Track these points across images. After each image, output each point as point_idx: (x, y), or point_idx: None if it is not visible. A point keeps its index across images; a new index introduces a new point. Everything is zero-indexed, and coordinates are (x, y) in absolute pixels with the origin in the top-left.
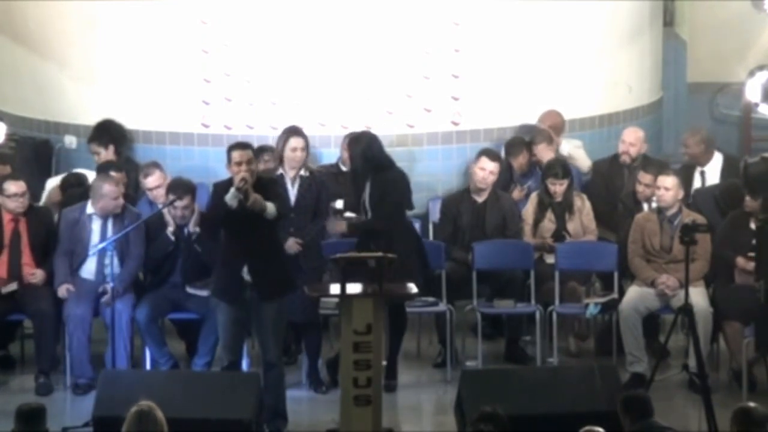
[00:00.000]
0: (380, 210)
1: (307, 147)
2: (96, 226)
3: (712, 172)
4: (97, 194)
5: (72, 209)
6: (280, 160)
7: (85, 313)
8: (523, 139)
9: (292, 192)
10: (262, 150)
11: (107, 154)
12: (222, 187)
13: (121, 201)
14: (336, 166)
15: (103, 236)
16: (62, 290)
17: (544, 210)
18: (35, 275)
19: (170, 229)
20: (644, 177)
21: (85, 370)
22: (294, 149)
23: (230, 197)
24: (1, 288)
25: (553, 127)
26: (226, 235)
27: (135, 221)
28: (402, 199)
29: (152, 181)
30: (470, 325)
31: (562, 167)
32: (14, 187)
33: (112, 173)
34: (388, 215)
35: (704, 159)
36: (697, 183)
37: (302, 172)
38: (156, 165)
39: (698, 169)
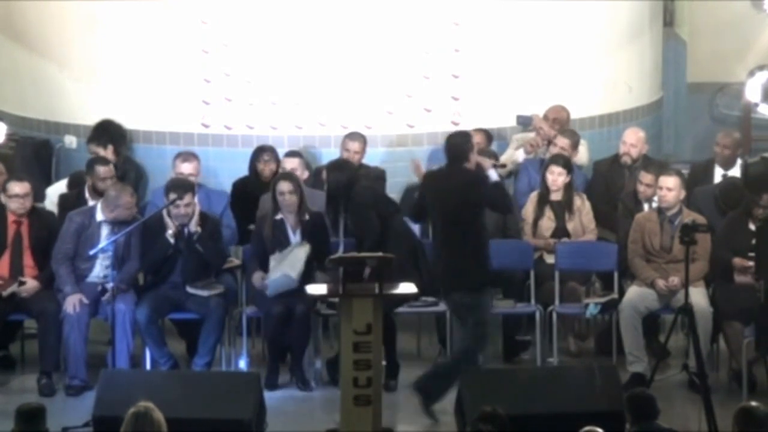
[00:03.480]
0: (361, 237)
1: (299, 189)
2: (105, 232)
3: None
4: (112, 203)
5: (79, 213)
6: (276, 206)
7: (82, 314)
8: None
9: (294, 239)
10: (262, 150)
11: (106, 154)
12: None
13: (134, 210)
14: None
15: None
16: (70, 304)
17: (543, 207)
18: (25, 288)
19: (170, 231)
20: (645, 177)
21: (80, 371)
22: (282, 193)
23: None
24: (2, 290)
25: (558, 121)
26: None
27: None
28: (373, 216)
29: (188, 167)
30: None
31: (563, 159)
32: (18, 187)
33: (99, 167)
34: (369, 234)
35: (732, 163)
36: (717, 181)
37: (303, 217)
38: (195, 155)
39: (721, 172)
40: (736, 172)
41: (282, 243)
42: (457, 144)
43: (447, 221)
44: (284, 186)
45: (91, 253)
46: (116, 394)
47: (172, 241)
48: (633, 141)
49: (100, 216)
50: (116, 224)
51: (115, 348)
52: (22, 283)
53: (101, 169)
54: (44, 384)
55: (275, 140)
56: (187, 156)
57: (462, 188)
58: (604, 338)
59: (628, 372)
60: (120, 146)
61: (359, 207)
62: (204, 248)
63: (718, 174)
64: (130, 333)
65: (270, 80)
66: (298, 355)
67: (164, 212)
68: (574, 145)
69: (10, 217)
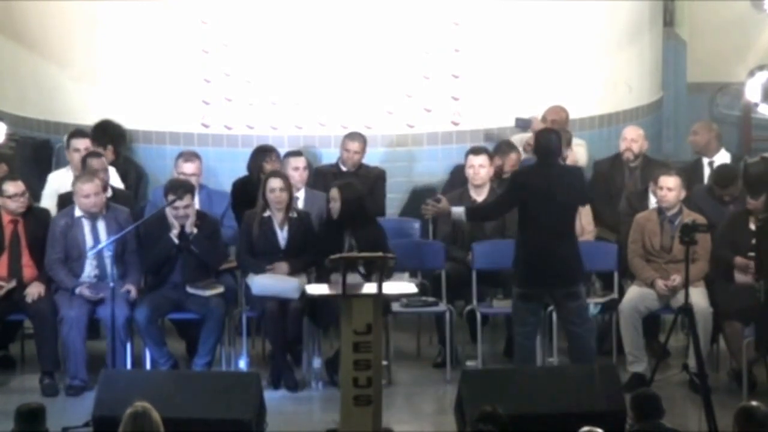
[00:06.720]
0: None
1: (288, 187)
2: (87, 228)
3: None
4: (74, 190)
5: (61, 215)
6: (265, 203)
7: (80, 315)
8: (510, 142)
9: (282, 235)
10: (263, 150)
11: (106, 154)
12: None
13: (94, 200)
14: (336, 165)
15: (94, 237)
16: (87, 293)
17: None
18: (33, 292)
19: (175, 231)
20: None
21: (80, 371)
22: (272, 190)
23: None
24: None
25: (557, 122)
26: None
27: (125, 219)
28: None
29: (190, 167)
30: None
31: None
32: (13, 187)
33: (92, 161)
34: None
35: (712, 149)
36: (707, 176)
37: (291, 214)
38: (197, 155)
39: (706, 161)
40: (722, 158)
41: (269, 240)
42: (551, 140)
43: (556, 215)
44: (276, 183)
45: (90, 253)
46: (116, 394)
47: (176, 241)
48: (633, 136)
49: (78, 212)
50: (95, 218)
51: (113, 350)
52: (23, 285)
53: (94, 162)
54: (47, 384)
55: (275, 140)
56: (189, 156)
57: (569, 182)
58: (604, 338)
59: (628, 372)
60: (120, 146)
61: (377, 223)
62: (199, 248)
63: (706, 164)
64: (124, 336)
65: (270, 80)
66: (292, 353)
67: (168, 212)
68: (566, 143)
69: (6, 218)
